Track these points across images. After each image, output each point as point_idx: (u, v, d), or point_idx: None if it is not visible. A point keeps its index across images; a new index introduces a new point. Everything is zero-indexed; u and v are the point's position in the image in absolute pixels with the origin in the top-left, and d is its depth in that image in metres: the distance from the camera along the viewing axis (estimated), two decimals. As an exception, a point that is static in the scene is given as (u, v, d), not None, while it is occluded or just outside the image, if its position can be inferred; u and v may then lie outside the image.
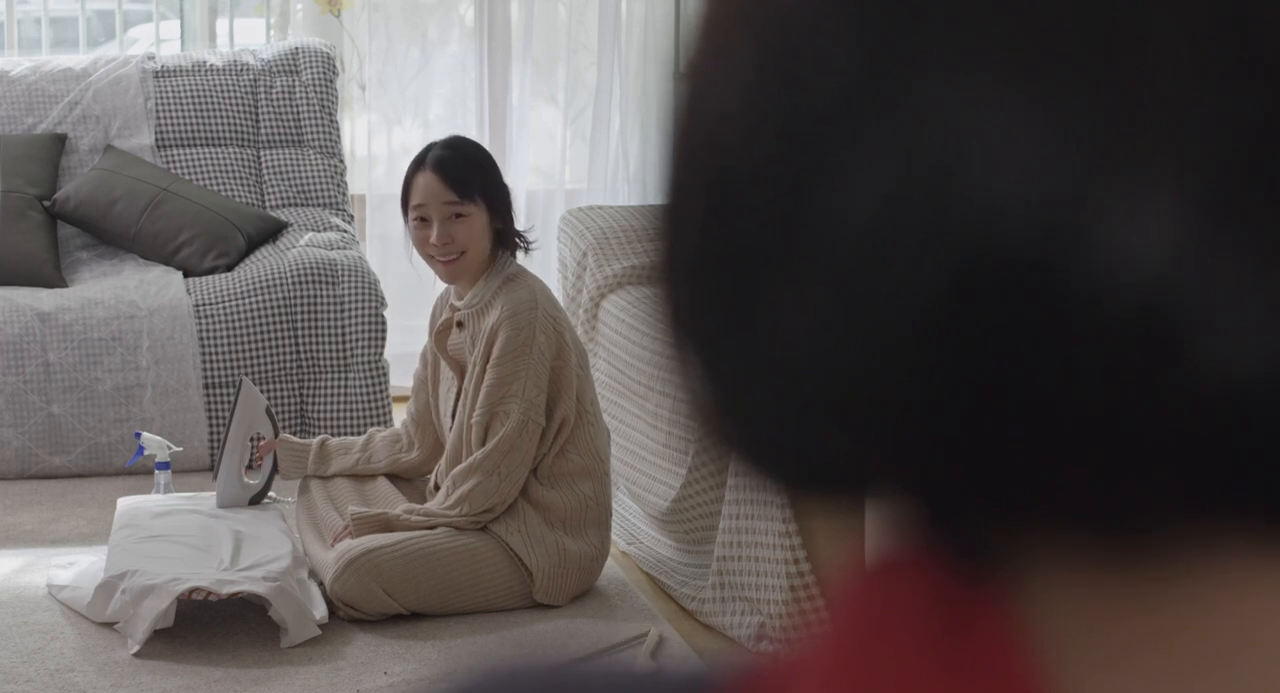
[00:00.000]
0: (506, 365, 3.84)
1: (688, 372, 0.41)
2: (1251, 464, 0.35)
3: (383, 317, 5.22)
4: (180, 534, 3.97)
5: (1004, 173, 0.35)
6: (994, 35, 0.35)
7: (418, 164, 3.95)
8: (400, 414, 4.43)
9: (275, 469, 4.22)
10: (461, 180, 3.88)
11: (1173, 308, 0.34)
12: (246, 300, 5.15)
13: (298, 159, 5.78)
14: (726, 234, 0.39)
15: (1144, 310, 0.34)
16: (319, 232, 5.54)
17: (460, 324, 3.98)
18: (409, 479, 4.21)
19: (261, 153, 5.80)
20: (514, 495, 3.92)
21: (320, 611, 3.77)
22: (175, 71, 5.81)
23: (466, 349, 3.96)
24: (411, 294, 5.72)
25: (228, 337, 5.12)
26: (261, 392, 4.94)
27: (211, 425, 5.08)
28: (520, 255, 4.03)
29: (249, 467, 4.28)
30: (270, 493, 4.26)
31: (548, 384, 3.87)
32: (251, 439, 4.26)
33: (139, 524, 4.02)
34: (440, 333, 4.04)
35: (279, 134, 5.81)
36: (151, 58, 5.86)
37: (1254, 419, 0.35)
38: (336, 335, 5.17)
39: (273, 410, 4.42)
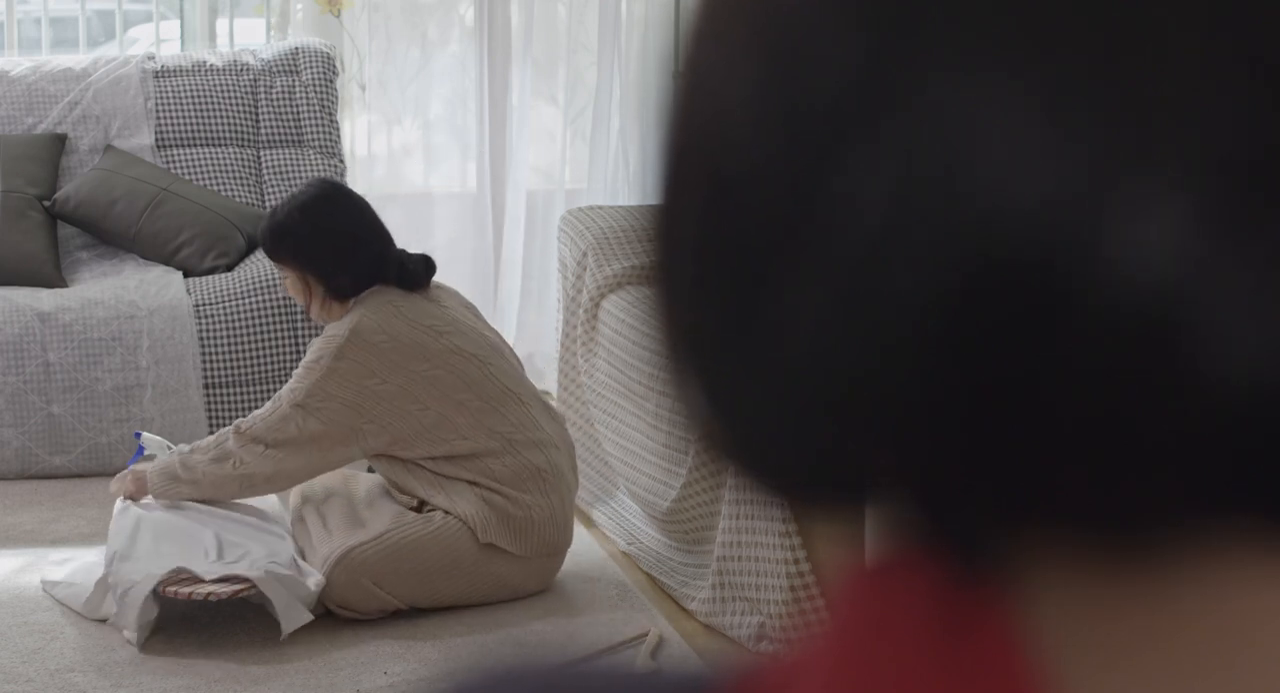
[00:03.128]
0: (299, 370, 4.08)
1: (683, 377, 0.41)
2: (1252, 464, 0.35)
3: (383, 317, 5.23)
4: (172, 527, 4.00)
5: (1007, 173, 0.35)
6: (996, 35, 0.35)
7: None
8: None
9: None
10: (270, 247, 4.17)
11: (1176, 309, 0.34)
12: (246, 300, 5.15)
13: (298, 159, 5.78)
14: (725, 233, 0.39)
15: (1147, 311, 0.34)
16: (319, 232, 5.54)
17: None
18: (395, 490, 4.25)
19: (261, 153, 5.80)
20: (275, 482, 4.08)
21: (315, 578, 3.82)
22: (175, 71, 5.81)
23: None
24: (411, 294, 5.72)
25: (228, 337, 5.12)
26: (260, 391, 4.96)
27: (211, 426, 5.08)
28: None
29: None
30: None
31: (362, 399, 4.01)
32: None
33: (134, 517, 4.05)
34: None
35: (279, 134, 5.81)
36: (151, 58, 5.86)
37: (1255, 420, 0.35)
38: (336, 335, 5.17)
39: None
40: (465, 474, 4.05)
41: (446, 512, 4.04)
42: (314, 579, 3.83)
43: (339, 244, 4.12)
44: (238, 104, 5.81)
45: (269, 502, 4.33)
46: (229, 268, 5.34)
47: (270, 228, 4.17)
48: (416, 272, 4.16)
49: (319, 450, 4.03)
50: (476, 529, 4.01)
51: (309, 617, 3.75)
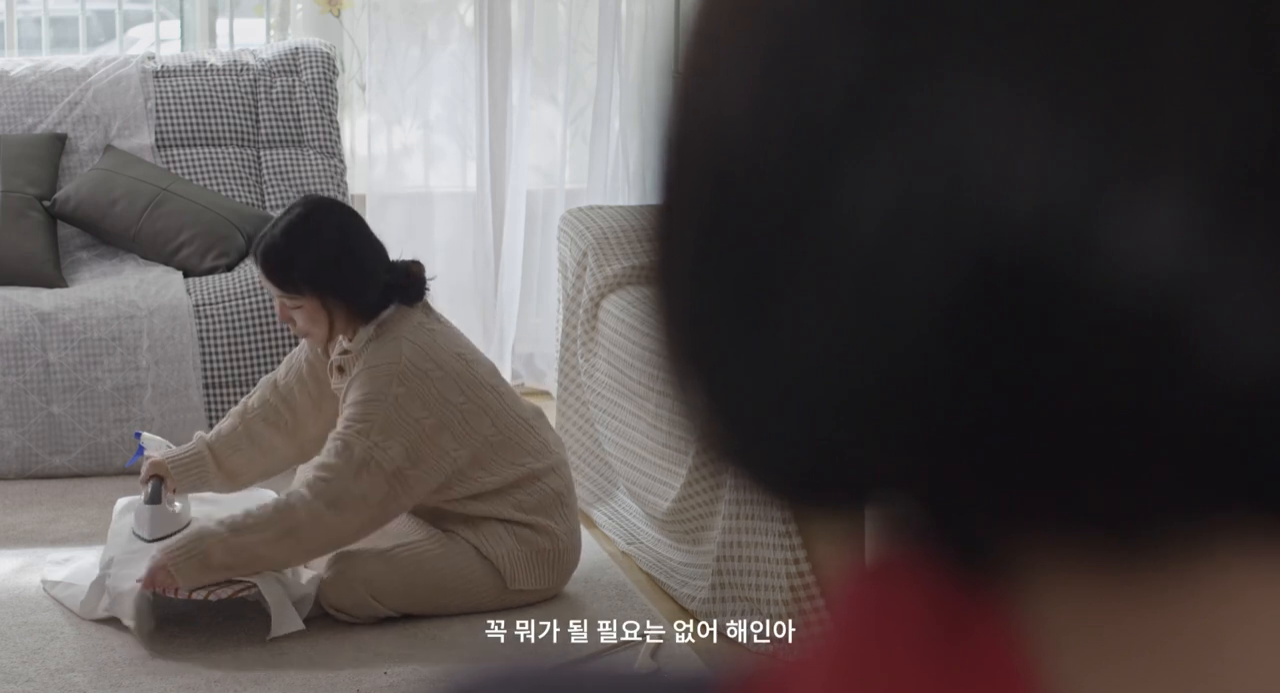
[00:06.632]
0: (361, 407, 3.76)
1: (684, 377, 0.41)
2: (1257, 465, 0.35)
3: (383, 317, 5.22)
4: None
5: (1013, 175, 0.35)
6: (1001, 39, 0.35)
7: (256, 244, 3.90)
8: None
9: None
10: (284, 278, 3.80)
11: (1182, 310, 0.34)
12: (246, 300, 5.15)
13: (298, 159, 5.78)
14: (728, 234, 0.39)
15: (1153, 313, 0.34)
16: (319, 232, 5.54)
17: (341, 369, 3.92)
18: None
19: (261, 153, 5.80)
20: (356, 534, 3.81)
21: (310, 575, 3.80)
22: (175, 71, 5.81)
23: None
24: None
25: (228, 337, 5.12)
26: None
27: (211, 426, 5.07)
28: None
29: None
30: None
31: (414, 436, 3.77)
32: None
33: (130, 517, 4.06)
34: (329, 372, 3.99)
35: (279, 134, 5.81)
36: (151, 58, 5.86)
37: (1260, 420, 0.35)
38: (336, 335, 5.17)
39: None
40: (495, 511, 3.94)
41: (472, 545, 3.93)
42: (309, 576, 3.83)
43: (354, 257, 3.82)
44: (238, 104, 5.81)
45: (268, 497, 4.33)
46: (229, 268, 5.34)
47: (271, 258, 3.78)
48: (419, 278, 3.91)
49: (381, 509, 3.77)
50: (505, 576, 3.91)
51: (300, 625, 3.75)
